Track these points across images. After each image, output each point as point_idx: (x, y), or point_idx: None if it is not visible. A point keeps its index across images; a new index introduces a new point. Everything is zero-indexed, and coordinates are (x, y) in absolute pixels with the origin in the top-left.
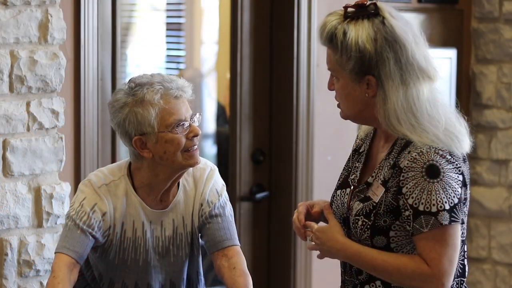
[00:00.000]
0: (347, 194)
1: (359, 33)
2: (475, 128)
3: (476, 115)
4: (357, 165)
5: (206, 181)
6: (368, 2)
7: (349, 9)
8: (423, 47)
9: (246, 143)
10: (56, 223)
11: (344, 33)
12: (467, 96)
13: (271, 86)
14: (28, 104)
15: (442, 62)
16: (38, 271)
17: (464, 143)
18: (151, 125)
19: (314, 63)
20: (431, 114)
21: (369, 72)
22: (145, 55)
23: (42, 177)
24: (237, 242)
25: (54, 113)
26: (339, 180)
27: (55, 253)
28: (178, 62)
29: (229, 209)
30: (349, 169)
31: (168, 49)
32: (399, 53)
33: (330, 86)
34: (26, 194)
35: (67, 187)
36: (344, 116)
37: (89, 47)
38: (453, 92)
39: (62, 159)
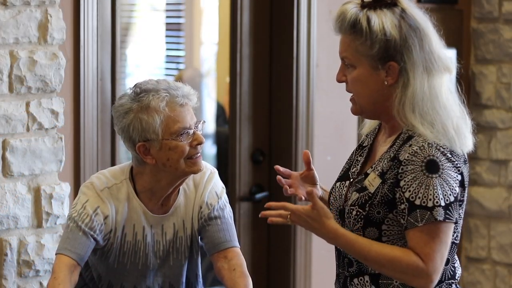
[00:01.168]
0: (345, 186)
1: (383, 19)
2: (475, 128)
3: (476, 115)
4: (359, 159)
5: (205, 184)
6: None
7: (366, 0)
8: (440, 39)
9: (246, 143)
10: (55, 223)
11: (368, 19)
12: (467, 96)
13: (270, 86)
14: (27, 104)
15: None
16: (37, 271)
17: (468, 141)
18: (155, 132)
19: (313, 63)
20: (447, 106)
21: (392, 58)
22: (145, 55)
23: (42, 177)
24: (237, 244)
25: (54, 113)
26: (340, 173)
27: (56, 254)
28: (178, 62)
29: (228, 211)
30: (351, 163)
31: (168, 49)
32: (423, 40)
33: (341, 78)
34: (25, 194)
35: (66, 188)
36: (357, 109)
37: (88, 47)
38: None
39: (62, 159)
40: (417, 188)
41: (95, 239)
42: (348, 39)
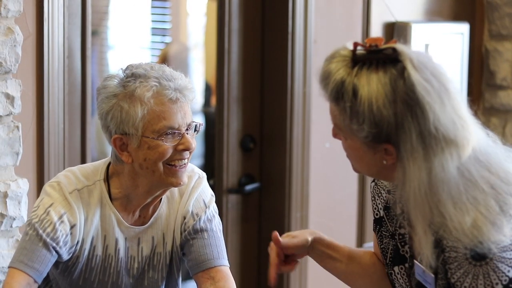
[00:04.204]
0: (406, 271)
1: (373, 93)
2: (488, 111)
3: (489, 97)
4: (401, 231)
5: (191, 191)
6: (384, 43)
7: (359, 51)
8: (452, 103)
9: (235, 129)
10: (11, 226)
11: (354, 92)
12: (480, 75)
13: (262, 64)
14: None
15: (453, 38)
16: None
17: (502, 232)
18: (135, 126)
19: (311, 39)
20: (461, 199)
21: (388, 141)
22: (128, 28)
23: None
24: (226, 262)
25: (9, 98)
26: (385, 251)
27: (9, 267)
28: (164, 35)
29: (217, 223)
30: (394, 235)
31: (153, 21)
32: (421, 120)
33: (335, 135)
34: None
35: (24, 184)
36: (357, 172)
37: (53, 19)
38: (464, 72)
39: (19, 152)
40: (475, 281)
41: (57, 252)
42: (334, 110)
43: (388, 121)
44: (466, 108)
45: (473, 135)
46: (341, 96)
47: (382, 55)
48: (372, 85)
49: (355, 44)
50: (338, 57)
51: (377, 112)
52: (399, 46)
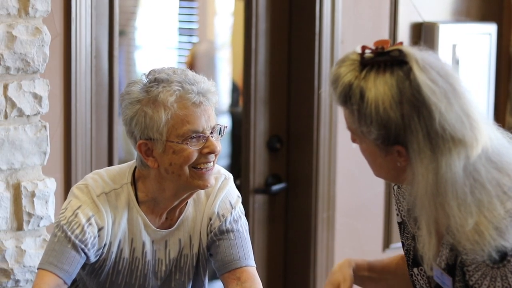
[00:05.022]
0: (425, 272)
1: (380, 95)
2: None
3: None
4: (420, 233)
5: (217, 192)
6: (390, 45)
7: (367, 54)
8: (460, 103)
9: (262, 129)
10: (38, 226)
11: (362, 95)
12: (507, 76)
13: (289, 65)
14: (5, 87)
15: (481, 39)
16: (17, 281)
17: (504, 237)
18: (159, 131)
19: (338, 39)
20: (466, 201)
21: (397, 142)
22: (155, 28)
23: (23, 172)
24: (253, 263)
25: (37, 97)
26: (408, 253)
27: (38, 268)
28: (191, 35)
29: (243, 224)
30: (414, 237)
31: (180, 21)
32: (427, 121)
33: (353, 140)
34: (3, 192)
35: (51, 184)
36: (378, 176)
37: (81, 19)
38: (492, 72)
39: (46, 151)
40: (492, 284)
41: (86, 254)
42: (345, 113)
43: (395, 123)
44: (477, 108)
45: (484, 135)
46: (348, 99)
47: (388, 57)
48: (378, 87)
49: (363, 48)
50: (347, 61)
51: (384, 113)
52: (405, 48)
